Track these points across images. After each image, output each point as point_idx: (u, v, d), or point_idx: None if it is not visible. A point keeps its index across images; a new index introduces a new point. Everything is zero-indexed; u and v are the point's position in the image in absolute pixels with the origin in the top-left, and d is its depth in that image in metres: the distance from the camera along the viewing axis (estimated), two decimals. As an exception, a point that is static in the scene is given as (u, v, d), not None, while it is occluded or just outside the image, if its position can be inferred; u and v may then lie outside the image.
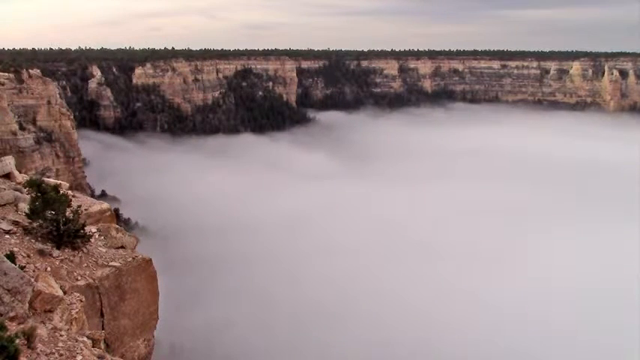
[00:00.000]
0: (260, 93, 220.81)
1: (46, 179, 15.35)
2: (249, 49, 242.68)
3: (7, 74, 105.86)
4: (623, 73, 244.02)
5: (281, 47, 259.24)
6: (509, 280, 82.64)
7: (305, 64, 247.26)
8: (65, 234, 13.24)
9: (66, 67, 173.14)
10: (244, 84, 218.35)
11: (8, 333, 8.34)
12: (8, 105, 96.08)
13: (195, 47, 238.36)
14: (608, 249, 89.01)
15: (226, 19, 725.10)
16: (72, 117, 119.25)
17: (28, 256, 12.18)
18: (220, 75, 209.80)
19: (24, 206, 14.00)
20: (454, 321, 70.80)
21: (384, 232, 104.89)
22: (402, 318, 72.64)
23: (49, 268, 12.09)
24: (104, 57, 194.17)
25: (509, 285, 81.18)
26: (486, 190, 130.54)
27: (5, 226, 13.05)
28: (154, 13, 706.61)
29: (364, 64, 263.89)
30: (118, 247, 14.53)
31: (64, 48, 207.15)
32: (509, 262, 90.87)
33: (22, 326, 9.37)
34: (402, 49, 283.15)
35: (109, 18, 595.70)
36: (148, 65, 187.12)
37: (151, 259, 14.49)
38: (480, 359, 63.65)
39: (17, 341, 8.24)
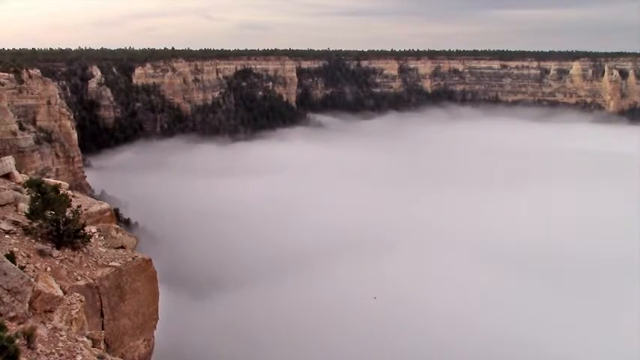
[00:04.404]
0: (260, 93, 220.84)
1: (46, 179, 15.34)
2: (249, 49, 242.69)
3: (7, 74, 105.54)
4: (623, 73, 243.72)
5: (281, 47, 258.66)
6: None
7: (305, 64, 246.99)
8: (65, 234, 13.24)
9: (66, 67, 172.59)
10: (244, 84, 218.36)
11: (8, 333, 8.33)
12: (8, 105, 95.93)
13: (195, 47, 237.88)
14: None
15: (225, 19, 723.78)
16: (72, 117, 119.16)
17: (28, 256, 12.17)
18: (220, 75, 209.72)
19: (24, 206, 14.00)
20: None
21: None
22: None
23: (49, 268, 12.09)
24: (104, 57, 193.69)
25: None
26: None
27: (5, 226, 13.04)
28: (152, 14, 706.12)
29: (364, 64, 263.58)
30: (118, 247, 14.54)
31: (64, 48, 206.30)
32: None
33: (22, 326, 9.37)
34: (402, 49, 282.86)
35: (108, 18, 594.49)
36: (148, 65, 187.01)
37: (150, 259, 14.49)
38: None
39: (17, 341, 8.24)
